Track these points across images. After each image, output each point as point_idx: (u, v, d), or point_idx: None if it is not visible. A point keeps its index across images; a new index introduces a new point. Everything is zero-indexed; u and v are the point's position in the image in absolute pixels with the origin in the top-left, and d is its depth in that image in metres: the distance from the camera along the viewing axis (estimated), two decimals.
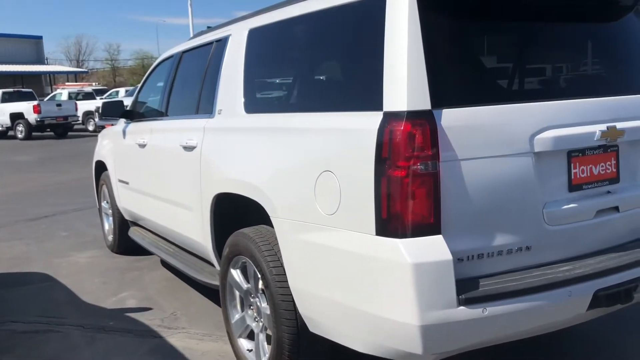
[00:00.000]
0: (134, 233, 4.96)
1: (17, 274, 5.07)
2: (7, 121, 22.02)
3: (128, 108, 4.95)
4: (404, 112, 1.98)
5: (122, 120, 5.08)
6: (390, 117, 2.01)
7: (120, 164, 4.98)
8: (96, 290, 4.54)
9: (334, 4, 2.44)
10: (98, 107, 19.18)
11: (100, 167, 5.61)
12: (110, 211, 5.52)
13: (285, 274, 2.59)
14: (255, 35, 3.10)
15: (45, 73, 47.37)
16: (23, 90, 24.85)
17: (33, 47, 47.84)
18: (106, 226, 5.75)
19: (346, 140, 2.18)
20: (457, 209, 2.03)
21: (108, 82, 58.62)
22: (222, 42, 3.43)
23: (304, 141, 2.42)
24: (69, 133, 23.17)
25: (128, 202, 4.91)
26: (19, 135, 21.71)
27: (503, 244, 2.12)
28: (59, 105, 22.37)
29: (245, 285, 2.97)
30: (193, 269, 3.68)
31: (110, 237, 5.64)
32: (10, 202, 8.78)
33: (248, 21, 3.23)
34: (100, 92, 28.57)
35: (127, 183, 4.80)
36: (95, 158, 5.71)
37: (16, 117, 21.66)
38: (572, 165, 2.27)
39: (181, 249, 4.15)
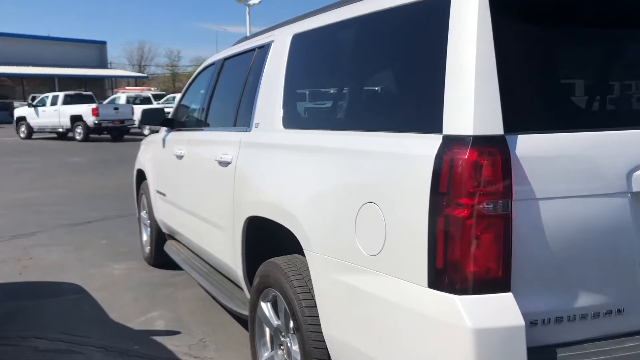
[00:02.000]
0: (169, 247, 4.71)
1: (51, 283, 4.91)
2: (67, 123, 22.61)
3: (169, 116, 4.72)
4: (469, 136, 1.59)
5: (164, 129, 4.86)
6: (451, 142, 1.63)
7: (158, 174, 4.75)
8: (126, 307, 4.30)
9: (387, 5, 2.08)
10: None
11: (141, 175, 5.41)
12: (149, 222, 5.31)
13: (318, 317, 2.24)
14: (298, 42, 2.77)
15: (107, 77, 48.87)
16: (84, 93, 25.54)
17: (97, 51, 49.47)
18: (144, 237, 5.55)
19: (395, 166, 1.80)
20: (532, 260, 1.63)
21: (167, 87, 60.01)
22: (264, 49, 3.13)
23: (345, 164, 2.06)
24: (125, 136, 23.60)
25: (165, 214, 4.67)
26: (77, 137, 22.25)
27: (588, 305, 1.69)
28: (116, 108, 22.84)
29: (275, 322, 2.63)
30: (224, 294, 3.37)
31: (147, 249, 5.42)
32: (57, 204, 8.78)
33: (292, 25, 2.91)
34: (158, 97, 29.04)
35: (164, 195, 4.56)
36: (137, 166, 5.53)
37: (75, 119, 22.22)
38: None
39: (215, 269, 3.86)
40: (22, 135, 24.52)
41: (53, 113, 23.12)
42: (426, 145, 1.69)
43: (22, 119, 24.59)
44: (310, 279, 2.33)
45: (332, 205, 2.09)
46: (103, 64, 50.25)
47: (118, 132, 22.95)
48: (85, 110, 21.93)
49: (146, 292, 4.63)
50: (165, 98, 28.32)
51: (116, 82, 51.82)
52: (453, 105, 1.65)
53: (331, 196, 2.10)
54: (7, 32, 42.16)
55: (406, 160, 1.76)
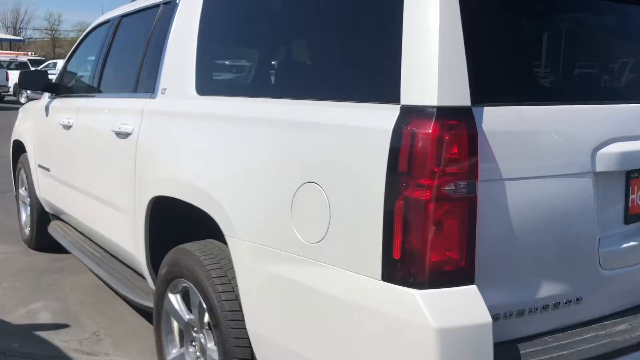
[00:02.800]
0: (54, 229, 4.18)
1: None
2: None
3: (54, 80, 4.15)
4: (432, 107, 1.37)
5: (47, 95, 4.27)
6: (411, 114, 1.40)
7: (41, 146, 4.18)
8: (2, 297, 3.75)
9: None
10: None
11: (19, 147, 4.77)
12: (29, 200, 4.70)
13: (241, 311, 1.96)
14: None
15: None
16: None
17: None
18: (23, 217, 4.92)
19: (342, 141, 1.55)
20: (495, 248, 1.46)
21: (47, 53, 55.60)
22: (171, 4, 2.73)
23: (277, 138, 1.77)
24: None
25: (49, 192, 4.12)
26: None
27: (549, 295, 1.56)
28: None
29: (187, 317, 2.31)
30: (122, 284, 2.98)
31: (27, 231, 4.81)
32: None
33: None
34: (36, 63, 26.70)
35: (48, 170, 4.01)
36: (14, 137, 4.87)
37: None
38: (630, 189, 1.73)
39: (110, 254, 3.44)
40: None
41: None
42: (380, 117, 1.45)
43: None
44: (231, 269, 2.04)
45: (261, 185, 1.80)
46: None
47: None
48: None
49: (27, 280, 4.08)
50: (45, 64, 26.10)
51: None
52: (412, 70, 1.42)
53: (260, 175, 1.81)
54: None
55: (356, 134, 1.51)
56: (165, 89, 2.53)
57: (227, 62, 2.49)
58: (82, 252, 3.59)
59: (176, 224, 2.54)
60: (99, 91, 3.36)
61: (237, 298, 2.00)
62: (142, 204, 2.53)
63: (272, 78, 2.06)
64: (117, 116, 2.86)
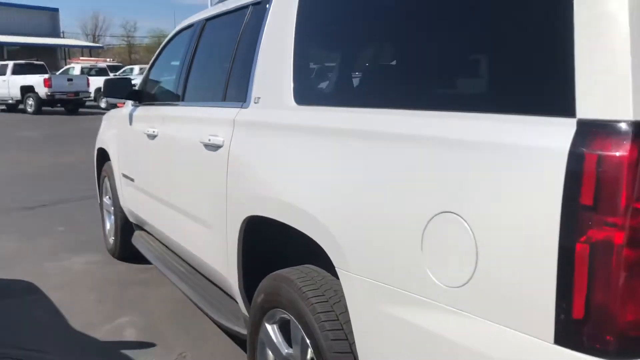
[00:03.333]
0: (138, 241, 4.09)
1: (0, 280, 4.23)
2: (17, 94, 21.25)
3: (137, 88, 4.05)
4: (625, 123, 1.06)
5: (130, 103, 4.19)
6: (595, 131, 1.09)
7: (124, 155, 4.10)
8: (89, 311, 3.68)
9: None
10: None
11: (103, 155, 4.74)
12: (113, 209, 4.66)
13: (352, 354, 1.71)
14: None
15: (60, 46, 46.61)
16: (35, 62, 24.01)
17: (49, 19, 47.11)
18: (107, 226, 4.90)
19: (496, 163, 1.25)
20: None
21: (123, 59, 57.89)
22: (262, 5, 2.51)
23: (405, 156, 1.48)
24: (80, 109, 22.39)
25: (133, 202, 4.04)
26: (29, 109, 20.95)
27: None
28: (70, 80, 21.57)
29: (285, 350, 2.08)
30: (210, 305, 2.80)
31: (111, 240, 4.78)
32: (9, 184, 7.96)
33: None
34: (114, 69, 27.73)
35: (132, 180, 3.92)
36: (98, 144, 4.84)
37: (26, 90, 20.89)
38: None
39: (195, 269, 3.28)
40: None
41: (1, 83, 21.66)
42: (549, 134, 1.15)
43: None
44: (338, 302, 1.79)
45: (382, 213, 1.53)
46: (55, 33, 47.91)
47: (72, 104, 21.73)
48: (37, 80, 20.61)
49: (112, 292, 4.01)
50: (122, 70, 27.05)
51: (69, 53, 49.52)
52: (592, 72, 1.11)
53: (380, 200, 1.53)
54: None
55: (514, 155, 1.21)
56: (259, 97, 2.31)
57: (330, 68, 2.23)
58: (167, 267, 3.45)
59: (271, 245, 2.33)
60: (184, 99, 3.21)
61: (346, 337, 1.75)
62: (234, 223, 2.32)
63: (393, 85, 1.75)
64: (205, 127, 2.67)
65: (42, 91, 20.47)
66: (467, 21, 1.48)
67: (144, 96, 3.95)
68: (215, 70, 2.98)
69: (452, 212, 1.32)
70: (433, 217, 1.36)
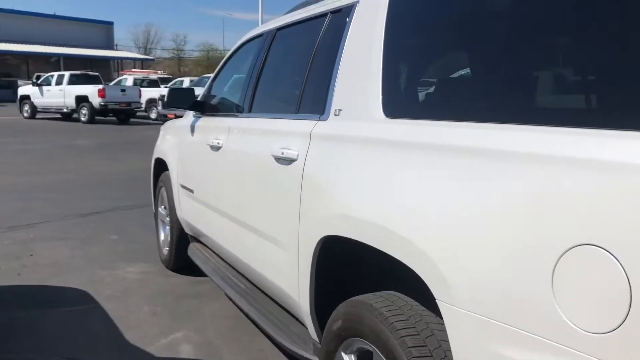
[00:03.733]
0: (194, 253, 4.00)
1: (52, 288, 4.21)
2: (72, 103, 21.89)
3: (199, 98, 4.00)
4: None
5: (191, 113, 4.14)
6: None
7: (184, 166, 4.03)
8: (143, 324, 3.60)
9: None
10: (162, 95, 18.72)
11: (161, 165, 4.70)
12: (168, 219, 4.61)
13: None
14: None
15: (113, 58, 48.05)
16: (90, 73, 24.78)
17: (103, 32, 48.68)
18: (161, 236, 4.84)
19: None
20: None
21: (173, 71, 59.26)
22: (342, 13, 2.39)
23: (531, 178, 1.31)
24: (131, 119, 22.90)
25: (191, 214, 3.96)
26: (82, 119, 21.53)
27: None
28: (123, 90, 22.12)
29: None
30: (275, 326, 2.66)
31: (165, 250, 4.72)
32: (62, 191, 8.07)
33: None
34: (165, 81, 28.33)
35: (191, 191, 3.85)
36: (155, 155, 4.81)
37: (81, 99, 21.50)
38: None
39: (255, 285, 3.16)
40: (25, 114, 23.82)
41: (58, 93, 22.39)
42: None
43: (25, 97, 23.86)
44: (431, 336, 1.63)
45: (497, 241, 1.36)
46: (109, 46, 49.43)
47: (124, 114, 22.25)
48: (91, 91, 21.20)
49: (167, 305, 3.93)
50: (172, 82, 27.56)
51: (122, 65, 50.97)
52: None
53: (501, 227, 1.36)
54: (13, 9, 41.38)
55: None
56: (340, 110, 2.17)
57: (424, 78, 2.07)
58: (225, 281, 3.34)
59: (346, 268, 2.18)
60: (252, 111, 3.11)
61: None
62: (309, 243, 2.18)
63: (507, 95, 1.57)
64: (276, 139, 2.56)
65: (96, 101, 21.02)
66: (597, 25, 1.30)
67: (207, 107, 3.88)
68: (287, 81, 2.88)
69: (595, 245, 1.14)
70: (568, 250, 1.18)
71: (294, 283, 2.35)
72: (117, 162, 11.34)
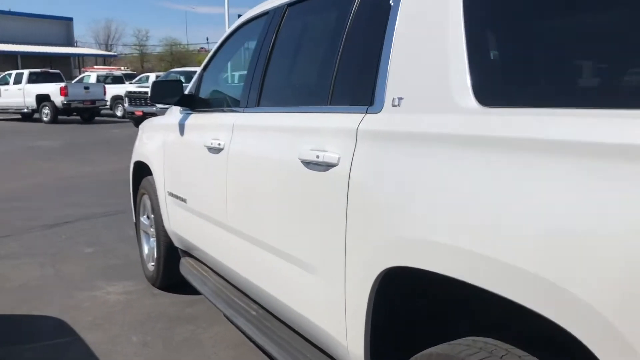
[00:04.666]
0: (188, 271, 3.46)
1: (23, 318, 3.62)
2: (32, 103, 20.85)
3: (187, 92, 3.44)
4: None
5: (177, 109, 3.59)
6: None
7: (173, 171, 3.48)
8: (134, 359, 3.05)
9: None
10: (128, 92, 17.92)
11: (142, 169, 4.13)
12: (154, 231, 4.05)
13: None
14: None
15: (74, 55, 46.46)
16: (51, 71, 23.63)
17: (63, 28, 47.01)
18: (145, 249, 4.28)
19: None
20: None
21: (136, 67, 57.82)
22: None
23: None
24: (96, 118, 21.96)
25: (182, 226, 3.42)
26: (45, 119, 20.52)
27: None
28: (86, 88, 21.16)
29: None
30: None
31: (150, 266, 4.16)
32: (26, 199, 7.38)
33: None
34: (129, 77, 27.31)
35: (182, 200, 3.30)
36: (135, 157, 4.23)
37: (42, 99, 20.48)
38: None
39: (266, 311, 2.65)
40: None
41: (17, 92, 21.29)
42: None
43: None
44: None
45: None
46: (69, 42, 47.78)
47: (89, 113, 21.30)
48: (53, 89, 20.20)
49: (158, 332, 3.38)
50: (137, 78, 26.60)
51: (83, 62, 49.35)
52: None
53: None
54: None
55: None
56: (401, 98, 1.67)
57: (539, 48, 1.53)
58: (231, 307, 2.82)
59: (412, 304, 1.70)
60: (261, 104, 2.58)
61: None
62: (363, 275, 1.68)
63: None
64: (304, 139, 2.05)
65: (58, 100, 20.04)
66: None
67: (198, 102, 3.34)
68: (309, 67, 2.37)
69: None
70: None
71: (338, 321, 1.85)
72: (85, 164, 10.61)
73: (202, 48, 67.14)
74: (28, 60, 37.47)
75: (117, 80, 25.47)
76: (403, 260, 1.54)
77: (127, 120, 19.10)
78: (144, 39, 72.99)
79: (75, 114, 21.19)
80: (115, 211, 6.53)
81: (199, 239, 3.17)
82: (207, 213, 2.95)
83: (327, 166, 1.88)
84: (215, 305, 2.99)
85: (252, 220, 2.43)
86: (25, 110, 21.33)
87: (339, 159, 1.83)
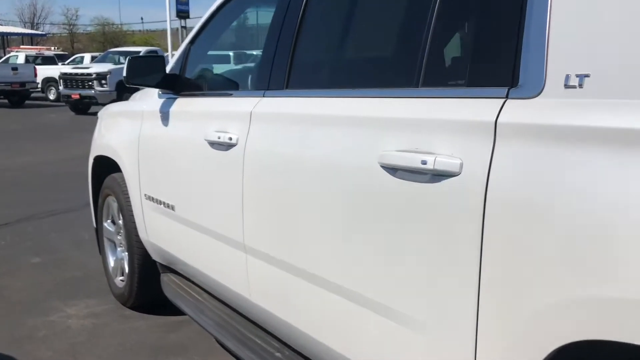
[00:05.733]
0: (177, 294, 2.80)
1: None
2: None
3: (170, 71, 2.75)
4: None
5: (152, 93, 2.90)
6: None
7: (153, 170, 2.80)
8: None
9: None
10: (63, 74, 16.58)
11: (104, 165, 3.41)
12: (121, 240, 3.36)
13: None
14: None
15: None
16: None
17: None
18: (110, 261, 3.56)
19: None
20: None
21: (65, 47, 54.82)
22: None
23: None
24: (27, 102, 20.30)
25: (167, 240, 2.76)
26: None
27: None
28: (14, 69, 19.50)
29: None
30: None
31: (119, 281, 3.46)
32: None
33: None
34: (60, 58, 25.52)
35: (168, 207, 2.64)
36: (96, 151, 3.49)
37: None
38: None
39: (295, 352, 2.05)
40: None
41: None
42: None
43: None
44: None
45: None
46: None
47: (18, 96, 19.68)
48: None
49: None
50: (71, 59, 24.89)
51: (8, 41, 46.10)
52: None
53: None
54: None
55: None
56: (587, 76, 1.09)
57: None
58: (247, 346, 2.20)
59: None
60: (299, 85, 1.93)
61: None
62: (517, 344, 1.12)
63: None
64: (390, 135, 1.45)
65: None
66: None
67: (185, 84, 2.67)
68: (378, 32, 1.75)
69: None
70: None
71: None
72: (20, 154, 9.53)
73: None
74: None
75: (49, 60, 23.73)
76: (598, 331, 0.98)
77: (62, 104, 17.72)
78: (74, 17, 69.37)
79: (2, 97, 19.51)
80: (63, 209, 5.71)
81: (194, 258, 2.52)
82: (209, 226, 2.31)
83: (440, 176, 1.29)
84: (218, 341, 2.37)
85: (292, 244, 1.81)
86: None
87: (460, 165, 1.25)
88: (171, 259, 2.83)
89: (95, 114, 3.96)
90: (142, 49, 18.46)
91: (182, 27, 35.09)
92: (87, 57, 24.14)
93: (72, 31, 67.46)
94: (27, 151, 9.78)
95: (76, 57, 24.49)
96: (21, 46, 42.81)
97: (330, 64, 1.97)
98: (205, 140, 2.24)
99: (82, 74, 16.03)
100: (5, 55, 28.72)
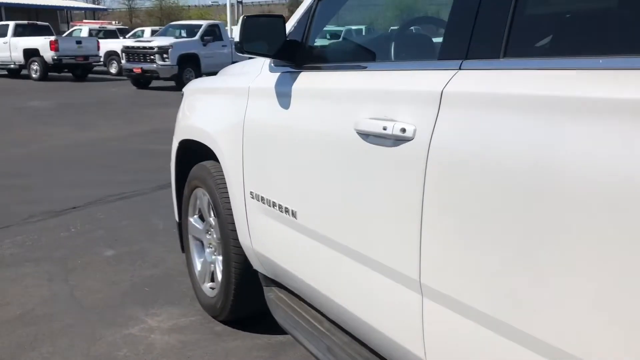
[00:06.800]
0: (285, 315, 2.23)
1: None
2: (20, 58, 19.16)
3: (289, 37, 2.13)
4: None
5: (258, 65, 2.31)
6: None
7: (265, 164, 2.21)
8: None
9: None
10: (125, 47, 16.35)
11: (192, 151, 2.87)
12: (213, 241, 2.82)
13: None
14: None
15: (61, 8, 44.01)
16: (39, 23, 21.77)
17: None
18: (197, 264, 3.03)
19: None
20: None
21: (124, 22, 55.54)
22: None
23: None
24: (89, 75, 20.33)
25: (282, 253, 2.18)
26: (34, 75, 18.88)
27: None
28: (79, 42, 19.47)
29: None
30: None
31: (207, 288, 2.93)
32: (20, 174, 6.07)
33: None
34: (121, 32, 25.47)
35: (286, 213, 2.05)
36: (183, 134, 2.94)
37: (31, 53, 18.79)
38: None
39: None
40: None
41: (2, 46, 19.55)
42: None
43: None
44: None
45: None
46: None
47: (81, 70, 19.66)
48: (42, 43, 18.49)
49: None
50: (132, 32, 24.81)
51: (70, 16, 46.87)
52: None
53: None
54: None
55: None
56: None
57: None
58: None
59: None
60: (525, 52, 1.28)
61: None
62: None
63: None
64: None
65: (48, 55, 18.37)
66: None
67: (311, 54, 2.06)
68: None
69: None
70: None
71: None
72: (85, 128, 9.24)
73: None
74: (11, 12, 35.20)
75: (111, 34, 23.72)
76: None
77: (124, 78, 17.57)
78: None
79: (66, 70, 19.56)
80: (132, 192, 5.28)
81: (326, 285, 1.92)
82: (356, 248, 1.70)
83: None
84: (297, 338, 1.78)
85: (499, 288, 1.17)
86: (12, 66, 19.65)
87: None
88: (286, 278, 2.25)
89: (156, 88, 3.41)
90: (203, 22, 17.96)
91: (238, 2, 34.47)
92: (148, 30, 24.00)
93: (130, 6, 68.55)
94: (92, 126, 9.49)
95: (137, 31, 24.39)
96: (84, 20, 43.45)
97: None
98: (356, 130, 1.62)
99: (145, 47, 15.74)
100: (69, 29, 29.00)
